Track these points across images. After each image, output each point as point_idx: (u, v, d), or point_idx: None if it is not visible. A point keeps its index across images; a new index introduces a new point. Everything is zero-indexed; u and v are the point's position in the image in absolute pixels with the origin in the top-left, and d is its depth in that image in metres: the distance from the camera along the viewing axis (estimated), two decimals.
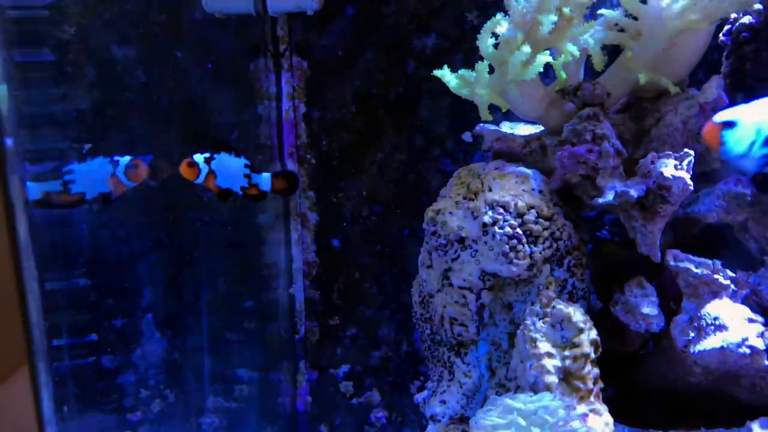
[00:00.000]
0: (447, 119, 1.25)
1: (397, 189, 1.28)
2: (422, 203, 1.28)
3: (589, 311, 0.87)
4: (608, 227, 1.20)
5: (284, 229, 1.31)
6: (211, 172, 1.08)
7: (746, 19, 0.94)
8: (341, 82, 1.26)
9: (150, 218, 1.28)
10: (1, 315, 0.88)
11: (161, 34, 1.21)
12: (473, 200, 0.87)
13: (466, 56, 1.22)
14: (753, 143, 0.77)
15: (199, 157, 1.08)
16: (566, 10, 0.84)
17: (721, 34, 0.98)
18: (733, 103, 0.86)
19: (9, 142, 0.90)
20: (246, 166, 1.10)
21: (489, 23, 0.87)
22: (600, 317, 0.91)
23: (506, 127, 0.97)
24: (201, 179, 1.08)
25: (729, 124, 0.78)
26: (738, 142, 0.77)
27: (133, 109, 1.24)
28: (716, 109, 0.84)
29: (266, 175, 1.12)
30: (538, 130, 0.95)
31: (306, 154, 1.29)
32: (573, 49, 0.84)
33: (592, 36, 0.86)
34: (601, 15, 0.89)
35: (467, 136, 1.25)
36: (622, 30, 0.87)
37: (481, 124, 0.97)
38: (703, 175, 0.90)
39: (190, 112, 1.25)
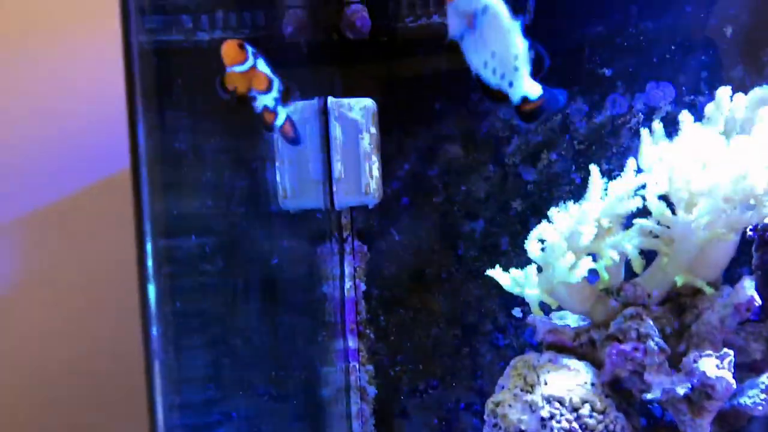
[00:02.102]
0: (497, 296, 1.35)
1: (452, 363, 1.36)
2: (476, 377, 1.36)
3: None
4: None
5: (345, 402, 1.38)
6: (254, 68, 0.90)
7: None
8: (398, 264, 1.38)
9: (218, 393, 1.36)
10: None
11: (242, 225, 1.37)
12: (530, 393, 0.94)
13: (513, 239, 1.34)
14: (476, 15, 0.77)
15: (250, 49, 0.90)
16: (605, 221, 0.95)
17: (748, 230, 1.07)
18: (765, 300, 0.94)
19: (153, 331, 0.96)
20: (280, 90, 0.94)
21: (535, 230, 0.98)
22: None
23: (556, 317, 1.06)
24: (243, 68, 0.89)
25: None
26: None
27: (209, 292, 1.36)
28: (749, 309, 0.92)
29: (284, 114, 0.97)
30: (585, 322, 1.03)
31: (365, 330, 1.38)
32: (613, 254, 0.95)
33: (629, 242, 0.97)
34: (637, 223, 1.00)
35: (518, 312, 1.33)
36: (656, 236, 0.98)
37: (533, 316, 1.06)
38: (745, 366, 0.96)
39: (265, 292, 1.37)
